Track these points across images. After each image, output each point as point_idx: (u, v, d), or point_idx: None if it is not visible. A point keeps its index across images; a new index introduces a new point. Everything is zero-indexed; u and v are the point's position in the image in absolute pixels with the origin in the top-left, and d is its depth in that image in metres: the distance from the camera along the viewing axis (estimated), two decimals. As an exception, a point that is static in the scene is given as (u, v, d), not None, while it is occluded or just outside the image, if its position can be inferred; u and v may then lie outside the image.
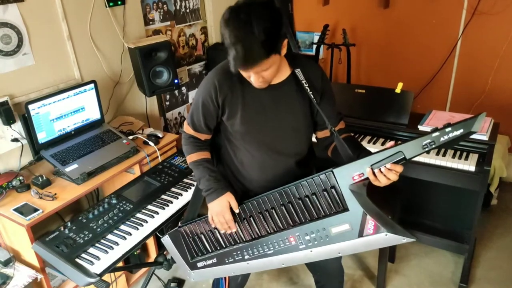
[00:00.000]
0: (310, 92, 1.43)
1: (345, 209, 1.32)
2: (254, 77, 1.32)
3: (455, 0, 3.18)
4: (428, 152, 1.16)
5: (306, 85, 1.43)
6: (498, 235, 2.74)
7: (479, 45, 3.21)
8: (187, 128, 1.57)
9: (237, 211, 1.47)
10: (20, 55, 2.13)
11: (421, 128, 2.27)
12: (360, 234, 1.32)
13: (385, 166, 1.22)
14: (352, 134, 1.58)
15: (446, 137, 1.14)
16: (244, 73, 1.33)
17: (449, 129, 1.13)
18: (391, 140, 2.37)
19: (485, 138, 2.13)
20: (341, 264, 1.82)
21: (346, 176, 1.29)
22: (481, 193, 2.09)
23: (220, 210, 1.46)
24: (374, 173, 1.24)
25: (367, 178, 1.26)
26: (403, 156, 1.21)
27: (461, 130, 1.12)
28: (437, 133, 1.15)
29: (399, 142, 1.22)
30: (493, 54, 3.14)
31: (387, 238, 1.29)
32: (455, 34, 3.28)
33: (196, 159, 1.53)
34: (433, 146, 1.17)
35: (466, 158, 2.14)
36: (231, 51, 1.23)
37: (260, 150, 1.51)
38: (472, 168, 2.07)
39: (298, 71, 1.44)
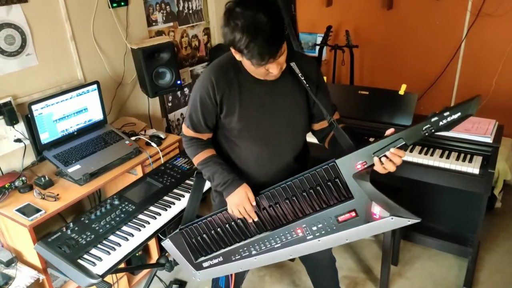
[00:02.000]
0: (307, 85, 1.43)
1: (350, 197, 1.33)
2: (274, 66, 1.30)
3: (459, 2, 3.17)
4: (427, 136, 1.19)
5: (302, 78, 1.43)
6: (502, 238, 2.72)
7: (483, 47, 3.19)
8: (186, 131, 1.55)
9: (254, 203, 1.44)
10: (23, 56, 2.14)
11: (424, 130, 2.26)
12: (367, 220, 1.33)
13: (390, 151, 1.25)
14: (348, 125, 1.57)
15: (444, 121, 1.17)
16: (261, 69, 1.31)
17: (447, 113, 1.16)
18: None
19: (489, 140, 2.12)
20: (332, 254, 1.81)
21: (349, 166, 1.30)
22: (485, 196, 2.09)
23: (240, 201, 1.44)
24: (380, 160, 1.26)
25: (370, 166, 1.28)
26: (404, 143, 1.23)
27: (459, 114, 1.15)
28: (435, 118, 1.18)
29: (402, 128, 1.24)
30: (497, 56, 3.13)
31: (393, 222, 1.31)
32: (459, 36, 3.26)
33: (203, 158, 1.51)
34: (433, 130, 1.19)
35: (470, 160, 2.12)
36: (252, 47, 1.22)
37: (257, 145, 1.50)
38: (476, 170, 2.06)
39: (293, 65, 1.43)
